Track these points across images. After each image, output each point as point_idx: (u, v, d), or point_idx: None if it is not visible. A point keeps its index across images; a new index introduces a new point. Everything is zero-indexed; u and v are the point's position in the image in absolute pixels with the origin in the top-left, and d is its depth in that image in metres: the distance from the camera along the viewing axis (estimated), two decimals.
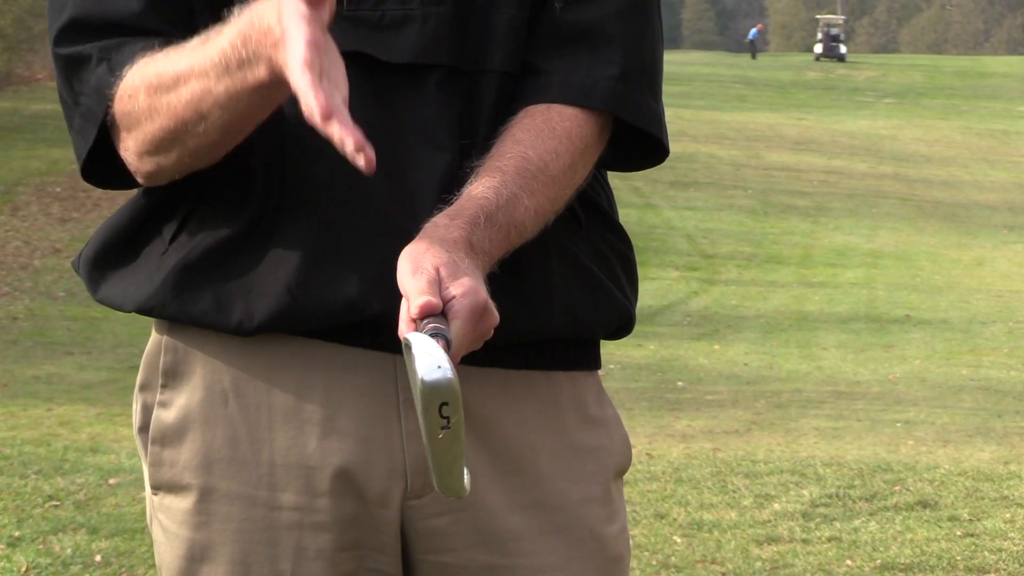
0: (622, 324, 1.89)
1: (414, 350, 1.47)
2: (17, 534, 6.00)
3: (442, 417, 1.46)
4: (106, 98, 1.75)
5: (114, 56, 1.76)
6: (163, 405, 1.84)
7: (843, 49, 69.58)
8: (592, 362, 1.90)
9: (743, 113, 43.11)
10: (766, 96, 49.89)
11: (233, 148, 1.76)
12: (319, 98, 1.49)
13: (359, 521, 1.80)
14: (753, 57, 72.69)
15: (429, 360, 1.45)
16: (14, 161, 25.27)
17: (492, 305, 1.60)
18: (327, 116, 1.49)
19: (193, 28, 1.76)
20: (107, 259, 1.85)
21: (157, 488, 1.85)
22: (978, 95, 52.80)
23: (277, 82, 1.62)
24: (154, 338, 1.86)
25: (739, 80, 55.97)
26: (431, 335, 1.53)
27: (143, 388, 1.87)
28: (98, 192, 23.43)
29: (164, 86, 1.70)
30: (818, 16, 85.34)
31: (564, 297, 1.82)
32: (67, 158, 25.39)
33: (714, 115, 41.02)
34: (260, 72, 1.63)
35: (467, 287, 1.58)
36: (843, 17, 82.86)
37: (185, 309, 1.79)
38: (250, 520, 1.80)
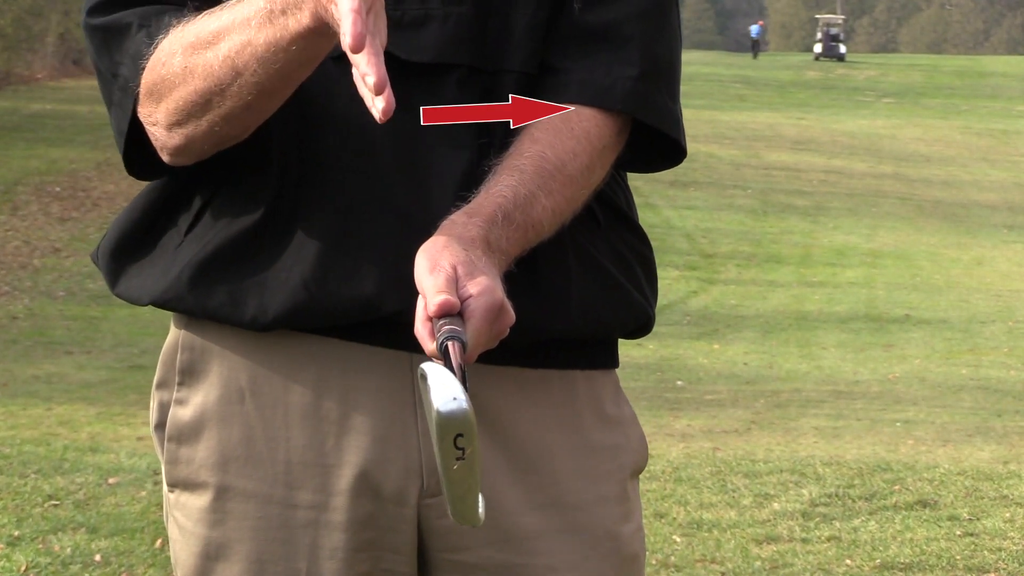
0: (640, 324, 1.89)
1: (430, 381, 1.47)
2: (17, 533, 6.00)
3: (457, 448, 1.46)
4: (140, 67, 1.74)
5: (154, 23, 1.75)
6: (180, 403, 1.84)
7: (843, 49, 69.55)
8: (609, 361, 1.90)
9: (743, 113, 43.10)
10: (766, 96, 49.89)
11: (253, 138, 1.75)
12: (356, 25, 1.48)
13: (375, 521, 1.80)
14: (754, 56, 72.43)
15: (445, 392, 1.45)
16: (13, 160, 25.26)
17: (508, 305, 1.61)
18: (358, 46, 1.48)
19: None
20: (124, 251, 1.85)
21: (173, 485, 1.85)
22: (978, 95, 52.79)
23: (320, 30, 1.61)
24: (171, 335, 1.86)
25: (739, 80, 55.97)
26: (447, 337, 1.53)
27: (160, 386, 1.87)
28: (97, 191, 23.45)
29: (203, 43, 1.69)
30: (817, 16, 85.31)
31: (581, 297, 1.81)
32: (66, 157, 25.41)
33: (714, 115, 41.00)
34: (304, 19, 1.61)
35: (484, 286, 1.58)
36: (843, 17, 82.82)
37: (200, 303, 1.78)
38: (266, 518, 1.80)
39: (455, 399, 1.45)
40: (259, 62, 1.67)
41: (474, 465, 1.48)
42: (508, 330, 1.62)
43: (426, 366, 1.49)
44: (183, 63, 1.70)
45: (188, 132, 1.74)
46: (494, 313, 1.58)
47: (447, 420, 1.45)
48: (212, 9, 1.71)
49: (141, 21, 1.76)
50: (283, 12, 1.63)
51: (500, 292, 1.60)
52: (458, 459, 1.47)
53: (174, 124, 1.74)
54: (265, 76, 1.67)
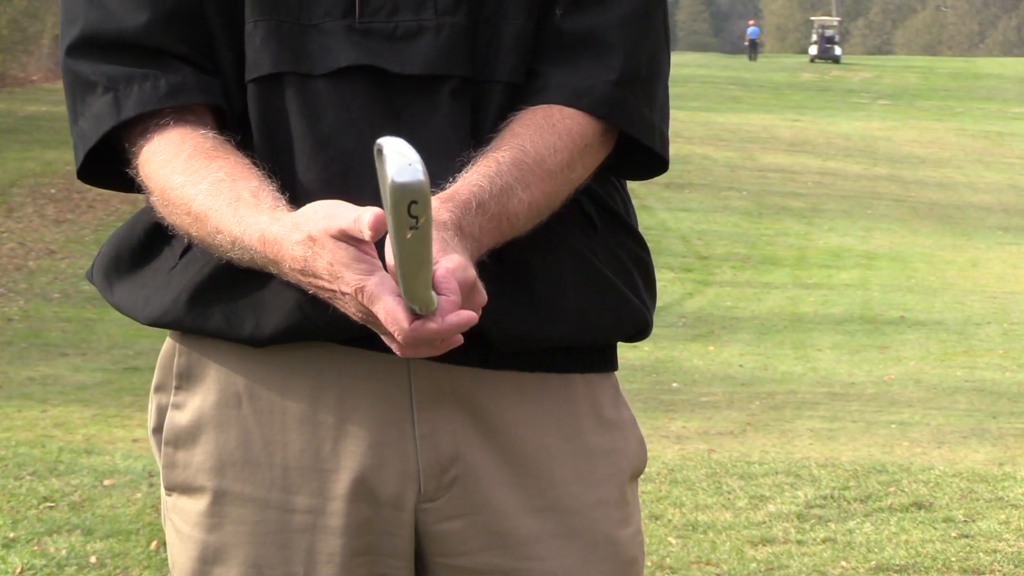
0: (639, 329, 1.88)
1: (386, 151, 1.43)
2: (12, 535, 5.99)
3: (411, 216, 1.43)
4: (101, 130, 1.77)
5: (122, 89, 1.76)
6: (177, 407, 1.85)
7: (838, 51, 69.56)
8: (608, 364, 1.90)
9: (738, 114, 43.10)
10: (761, 97, 49.89)
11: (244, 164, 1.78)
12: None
13: (372, 525, 1.80)
14: (751, 59, 72.12)
15: (401, 159, 1.42)
16: (9, 163, 25.25)
17: (480, 284, 1.61)
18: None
19: (210, 49, 1.77)
20: (118, 269, 1.86)
21: (171, 489, 1.86)
22: (973, 96, 52.81)
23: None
24: (169, 341, 1.87)
25: (734, 81, 55.97)
26: None
27: (158, 389, 1.88)
28: (93, 194, 23.41)
29: (181, 210, 1.73)
30: (813, 17, 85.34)
31: (578, 304, 1.81)
32: (62, 160, 25.39)
33: (709, 116, 41.01)
34: (280, 271, 1.68)
35: (457, 262, 1.58)
36: (838, 19, 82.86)
37: (198, 324, 1.80)
38: (263, 523, 1.81)
39: (411, 165, 1.41)
40: (231, 257, 1.73)
41: (427, 237, 1.45)
42: (480, 310, 1.62)
43: (382, 139, 1.45)
44: (164, 208, 1.76)
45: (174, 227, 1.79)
46: (467, 288, 1.58)
47: (402, 187, 1.41)
48: (192, 159, 1.74)
49: (108, 84, 1.77)
50: (261, 263, 1.69)
51: (472, 270, 1.60)
52: (412, 228, 1.44)
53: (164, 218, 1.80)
54: (239, 262, 1.73)
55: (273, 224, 1.65)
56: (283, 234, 1.64)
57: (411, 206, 1.42)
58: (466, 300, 1.59)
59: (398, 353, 1.60)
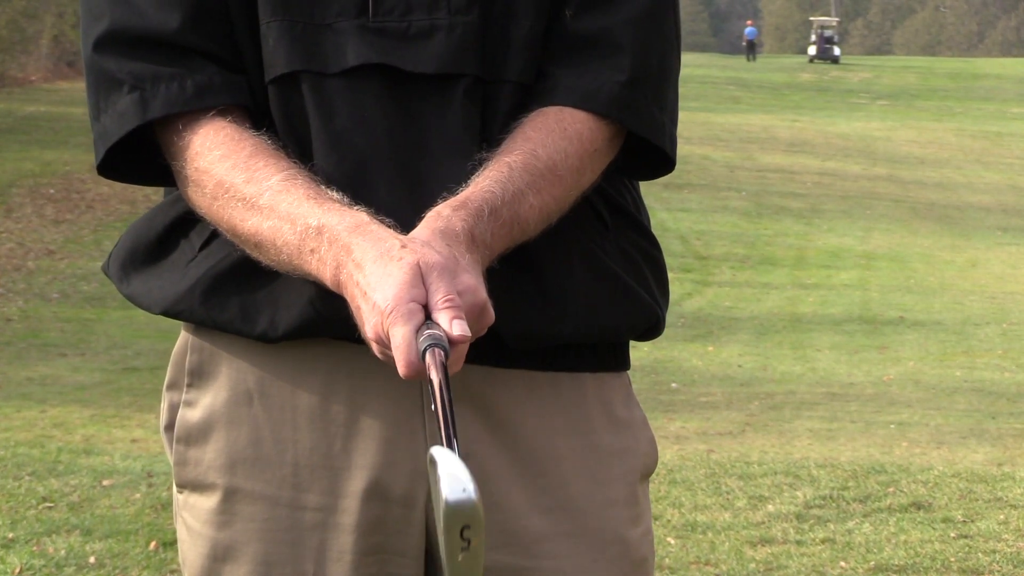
0: (650, 326, 1.89)
1: (440, 470, 1.44)
2: (11, 536, 6.00)
3: (463, 539, 1.43)
4: (125, 129, 1.76)
5: (148, 88, 1.76)
6: (188, 404, 1.85)
7: (837, 51, 69.56)
8: (620, 363, 1.90)
9: (737, 115, 43.11)
10: (760, 98, 49.90)
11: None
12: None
13: (383, 524, 1.80)
14: (749, 59, 72.05)
15: (454, 482, 1.42)
16: (8, 163, 25.25)
17: (489, 304, 1.61)
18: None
19: (236, 48, 1.77)
20: (134, 261, 1.87)
21: (182, 487, 1.86)
22: (972, 97, 52.82)
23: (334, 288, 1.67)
24: (181, 337, 1.87)
25: (733, 82, 55.98)
26: (429, 344, 1.53)
27: (170, 387, 1.88)
28: (92, 194, 23.42)
29: (243, 204, 1.72)
30: (812, 18, 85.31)
31: (589, 301, 1.82)
32: (61, 160, 25.40)
33: (708, 117, 41.01)
34: (323, 278, 1.67)
35: (466, 285, 1.59)
36: (837, 19, 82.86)
37: (211, 316, 1.80)
38: (273, 520, 1.81)
39: (464, 490, 1.42)
40: (277, 264, 1.72)
41: (479, 557, 1.45)
42: (487, 329, 1.63)
43: (435, 451, 1.46)
44: (211, 200, 1.75)
45: (200, 213, 1.79)
46: (475, 313, 1.59)
47: (455, 511, 1.42)
48: (251, 159, 1.73)
49: (134, 83, 1.77)
50: (311, 252, 1.67)
51: (482, 292, 1.61)
52: (463, 550, 1.44)
53: (194, 209, 1.80)
54: (282, 268, 1.73)
55: (375, 221, 1.66)
56: (381, 230, 1.64)
57: (464, 530, 1.43)
58: (475, 323, 1.60)
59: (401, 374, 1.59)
